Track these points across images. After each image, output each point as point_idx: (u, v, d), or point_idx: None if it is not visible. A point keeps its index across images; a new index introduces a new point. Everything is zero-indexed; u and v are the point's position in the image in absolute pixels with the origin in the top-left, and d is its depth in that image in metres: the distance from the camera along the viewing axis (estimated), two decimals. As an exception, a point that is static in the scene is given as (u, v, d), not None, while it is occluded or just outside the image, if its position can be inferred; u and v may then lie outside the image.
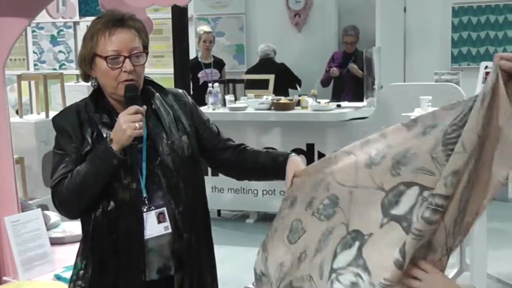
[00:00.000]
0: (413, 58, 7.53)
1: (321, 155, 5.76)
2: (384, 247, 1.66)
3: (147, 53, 2.11)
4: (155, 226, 2.06)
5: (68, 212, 2.11)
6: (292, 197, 2.03)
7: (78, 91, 5.50)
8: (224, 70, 7.43)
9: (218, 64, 7.28)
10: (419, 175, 1.66)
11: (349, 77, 7.07)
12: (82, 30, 8.31)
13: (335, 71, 7.04)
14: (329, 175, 1.90)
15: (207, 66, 7.12)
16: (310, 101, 6.09)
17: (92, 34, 2.04)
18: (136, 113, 1.99)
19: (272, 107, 6.05)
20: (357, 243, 1.73)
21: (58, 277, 2.70)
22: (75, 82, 6.25)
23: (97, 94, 2.13)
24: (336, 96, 7.00)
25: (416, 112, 4.68)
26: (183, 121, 2.18)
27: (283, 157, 2.14)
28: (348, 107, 6.18)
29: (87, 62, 2.07)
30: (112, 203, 2.04)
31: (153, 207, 2.07)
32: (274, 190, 6.16)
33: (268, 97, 6.28)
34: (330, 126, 5.91)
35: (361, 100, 6.39)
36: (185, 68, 5.43)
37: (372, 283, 1.66)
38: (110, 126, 2.06)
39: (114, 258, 2.06)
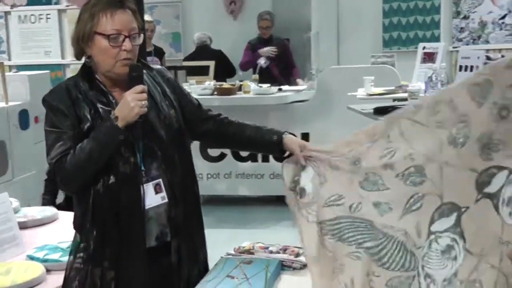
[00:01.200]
0: (347, 42, 7.79)
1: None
2: (481, 223, 1.89)
3: (142, 34, 2.23)
4: (153, 197, 2.20)
5: (70, 187, 2.20)
6: (348, 157, 2.13)
7: (18, 81, 5.43)
8: (164, 58, 7.48)
9: (159, 52, 7.32)
10: (508, 160, 1.90)
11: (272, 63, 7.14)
12: (13, 20, 8.15)
13: (262, 63, 7.09)
14: (402, 142, 2.03)
15: (148, 54, 7.14)
16: (252, 85, 6.24)
17: (93, 14, 2.14)
18: (141, 92, 2.12)
19: (215, 92, 6.18)
20: (455, 214, 1.96)
21: (31, 257, 2.74)
22: (14, 72, 6.16)
23: (88, 73, 2.21)
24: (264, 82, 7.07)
25: (360, 92, 4.90)
26: (169, 96, 2.31)
27: (277, 135, 2.29)
28: (290, 91, 6.37)
29: (85, 40, 2.16)
30: (112, 177, 2.15)
31: (150, 179, 2.20)
32: (218, 174, 6.31)
33: (210, 82, 6.39)
34: (272, 110, 6.09)
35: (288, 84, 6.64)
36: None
37: (466, 249, 1.89)
38: (106, 103, 2.18)
39: (116, 230, 2.16)
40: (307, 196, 2.18)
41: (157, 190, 2.20)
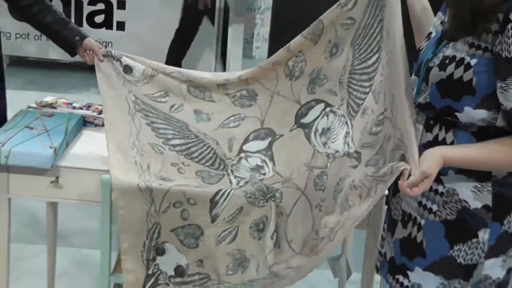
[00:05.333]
0: None
1: None
2: (290, 148, 2.03)
3: None
4: None
5: None
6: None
7: None
8: None
9: None
10: (327, 95, 2.04)
11: None
12: None
13: None
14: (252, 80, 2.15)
15: None
16: None
17: None
18: None
19: None
20: (269, 139, 2.08)
21: None
22: None
23: None
24: None
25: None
26: None
27: (80, 37, 2.23)
28: None
29: None
30: None
31: None
32: (28, 34, 6.00)
33: None
34: None
35: None
36: None
37: (275, 171, 2.00)
38: None
39: None
40: (132, 76, 2.17)
41: None
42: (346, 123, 1.99)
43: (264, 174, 2.04)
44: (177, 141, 2.13)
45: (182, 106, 2.18)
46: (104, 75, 2.15)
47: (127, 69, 2.16)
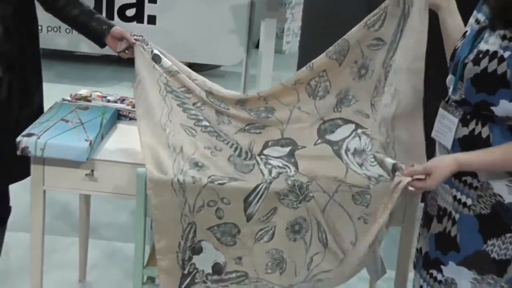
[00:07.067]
0: None
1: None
2: (317, 157, 2.03)
3: None
4: None
5: None
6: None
7: None
8: None
9: None
10: (357, 116, 2.07)
11: None
12: None
13: None
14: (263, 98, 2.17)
15: None
16: None
17: None
18: None
19: None
20: (289, 147, 2.09)
21: None
22: None
23: None
24: None
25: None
26: None
27: (107, 26, 2.22)
28: None
29: None
30: None
31: None
32: (59, 28, 6.04)
33: None
34: None
35: None
36: None
37: (299, 172, 1.98)
38: None
39: None
40: (160, 66, 2.17)
41: None
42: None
43: (287, 172, 2.02)
44: (207, 123, 2.13)
45: (204, 105, 2.19)
46: (137, 58, 2.15)
47: (156, 58, 2.17)
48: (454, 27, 1.81)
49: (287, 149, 2.10)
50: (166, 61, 2.18)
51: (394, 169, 1.68)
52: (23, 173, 2.21)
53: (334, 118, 2.10)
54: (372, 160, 1.97)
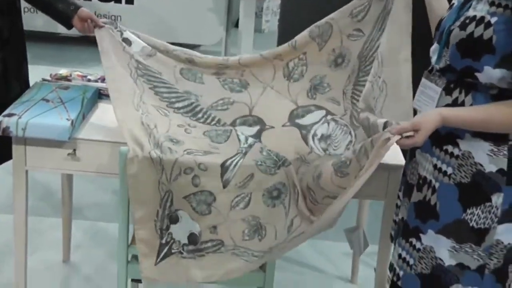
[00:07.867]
0: None
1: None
2: (283, 139, 2.08)
3: None
4: None
5: None
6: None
7: None
8: None
9: None
10: (329, 103, 2.13)
11: None
12: None
13: None
14: (242, 66, 2.21)
15: None
16: None
17: None
18: None
19: None
20: (258, 127, 2.13)
21: None
22: None
23: None
24: None
25: None
26: None
27: (74, 7, 2.21)
28: None
29: None
30: None
31: None
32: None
33: None
34: None
35: None
36: None
37: (269, 150, 1.98)
38: None
39: None
40: (130, 48, 2.18)
41: None
42: (350, 133, 2.07)
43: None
44: (180, 104, 2.15)
45: (176, 80, 2.22)
46: (104, 41, 2.16)
47: (126, 41, 2.18)
48: (439, 8, 1.83)
49: (255, 128, 2.14)
50: (138, 43, 2.19)
51: (385, 126, 1.66)
52: (5, 156, 2.20)
53: (308, 105, 2.16)
54: (336, 144, 2.05)
